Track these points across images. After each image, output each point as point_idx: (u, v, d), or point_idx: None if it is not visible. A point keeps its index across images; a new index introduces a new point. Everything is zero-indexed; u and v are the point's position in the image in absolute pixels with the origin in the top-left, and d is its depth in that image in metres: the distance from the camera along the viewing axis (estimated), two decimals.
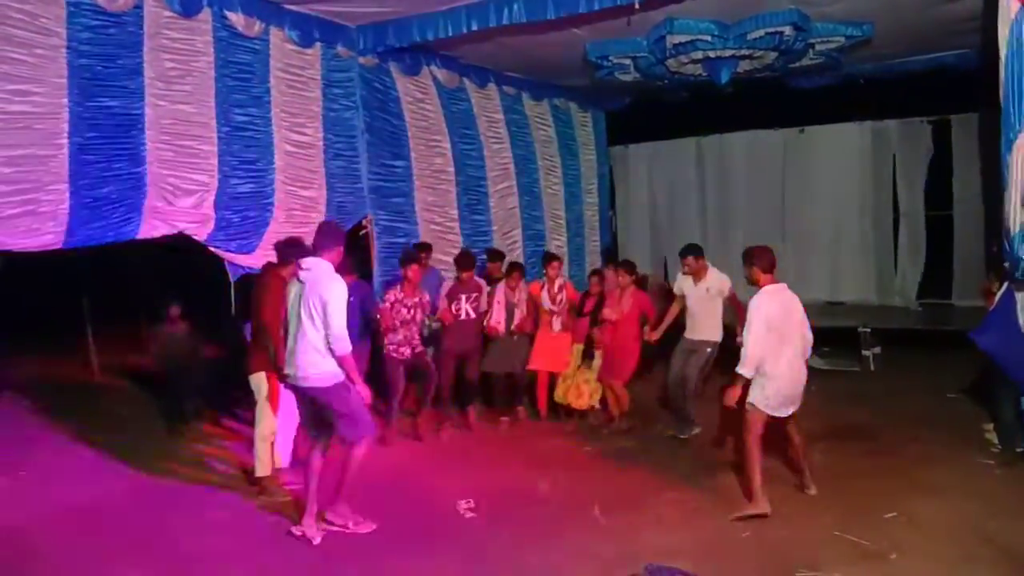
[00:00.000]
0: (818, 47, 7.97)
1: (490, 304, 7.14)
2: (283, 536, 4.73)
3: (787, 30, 7.30)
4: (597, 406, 7.10)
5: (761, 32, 7.29)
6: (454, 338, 7.00)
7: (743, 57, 7.88)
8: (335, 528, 4.78)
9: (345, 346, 4.55)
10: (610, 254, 10.69)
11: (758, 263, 5.01)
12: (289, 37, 6.94)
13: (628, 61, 8.33)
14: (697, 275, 6.64)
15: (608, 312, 6.90)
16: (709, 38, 7.39)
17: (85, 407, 8.00)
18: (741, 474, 5.24)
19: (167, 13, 5.97)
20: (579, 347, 7.24)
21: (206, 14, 6.24)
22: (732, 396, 4.98)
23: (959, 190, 10.72)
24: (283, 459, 5.86)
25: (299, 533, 4.70)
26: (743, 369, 4.88)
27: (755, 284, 5.06)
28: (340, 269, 4.79)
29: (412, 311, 6.58)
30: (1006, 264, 5.43)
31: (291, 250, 5.45)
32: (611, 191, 12.63)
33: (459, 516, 5.03)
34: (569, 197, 11.08)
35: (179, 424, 7.09)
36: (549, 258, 7.58)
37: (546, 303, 7.22)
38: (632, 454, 6.26)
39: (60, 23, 5.31)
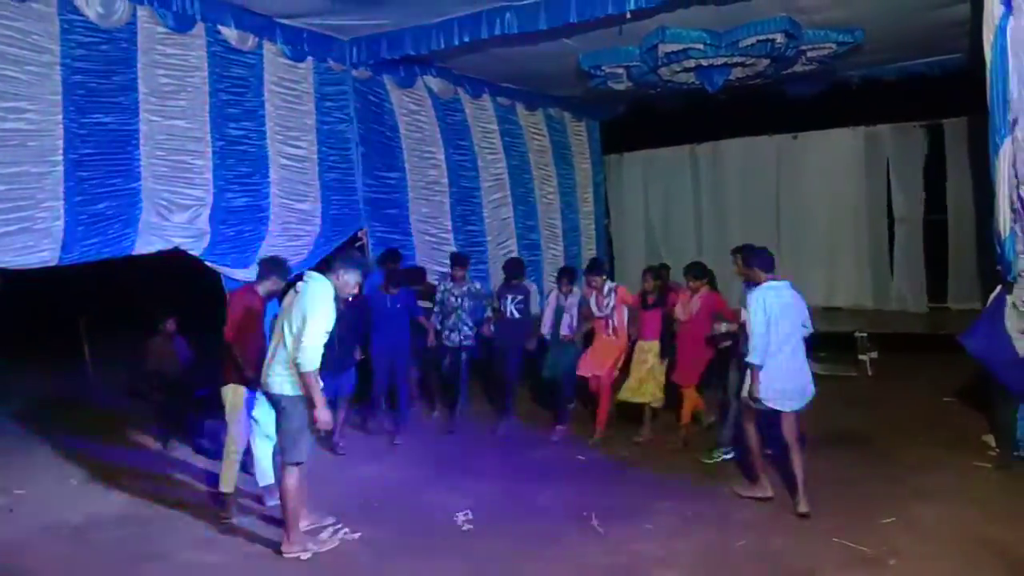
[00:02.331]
0: (810, 54, 8.01)
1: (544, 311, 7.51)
2: (279, 551, 4.71)
3: (778, 37, 7.34)
4: (656, 405, 6.82)
5: (753, 40, 7.33)
6: (500, 335, 7.47)
7: (735, 64, 7.93)
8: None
9: (310, 362, 4.32)
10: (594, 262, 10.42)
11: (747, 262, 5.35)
12: (282, 51, 6.97)
13: (621, 70, 8.38)
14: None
15: (677, 311, 6.73)
16: (701, 46, 7.44)
17: (81, 422, 7.96)
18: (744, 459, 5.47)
19: (160, 29, 6.01)
20: (653, 344, 6.84)
21: (199, 29, 6.28)
22: (755, 389, 5.04)
23: (953, 194, 10.74)
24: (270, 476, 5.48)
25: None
26: (753, 358, 5.01)
27: (750, 280, 5.29)
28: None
29: (459, 299, 7.31)
30: (999, 267, 5.45)
31: (266, 268, 5.40)
32: (606, 200, 12.66)
33: (457, 527, 5.02)
34: (564, 206, 11.12)
35: (174, 438, 7.07)
36: (588, 269, 7.30)
37: (595, 310, 7.04)
38: (630, 462, 6.25)
39: (53, 40, 5.34)
